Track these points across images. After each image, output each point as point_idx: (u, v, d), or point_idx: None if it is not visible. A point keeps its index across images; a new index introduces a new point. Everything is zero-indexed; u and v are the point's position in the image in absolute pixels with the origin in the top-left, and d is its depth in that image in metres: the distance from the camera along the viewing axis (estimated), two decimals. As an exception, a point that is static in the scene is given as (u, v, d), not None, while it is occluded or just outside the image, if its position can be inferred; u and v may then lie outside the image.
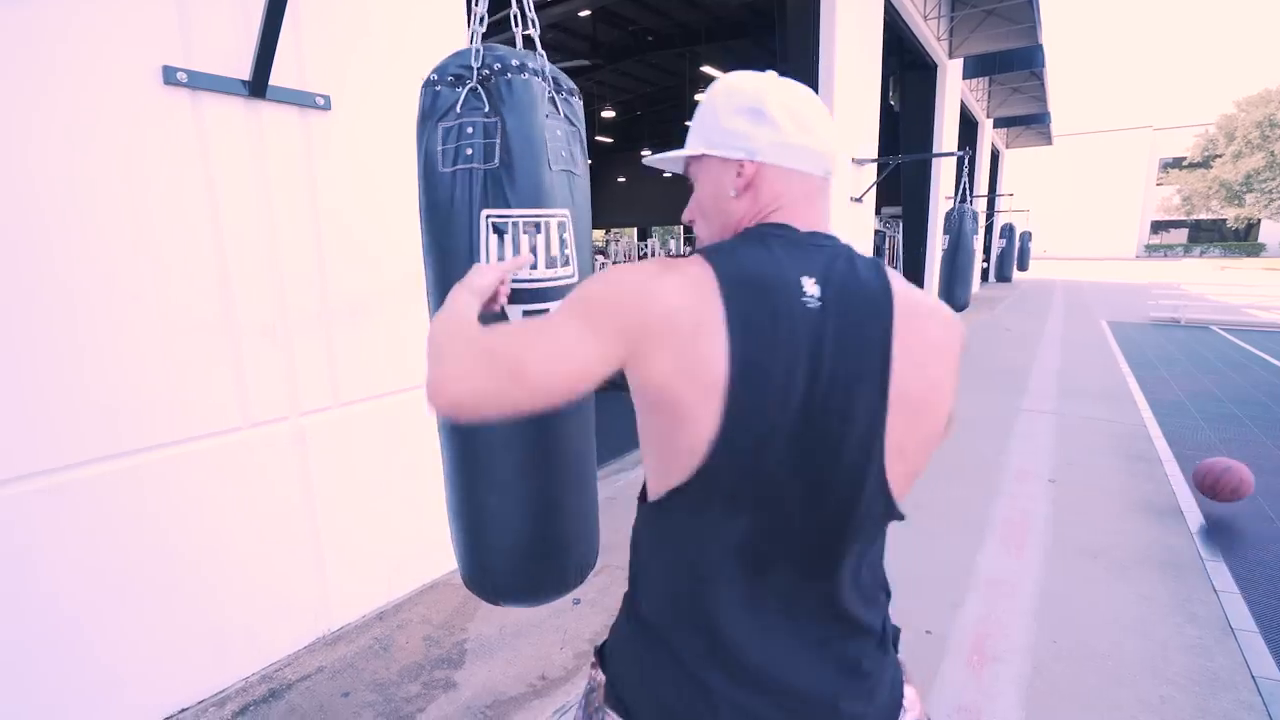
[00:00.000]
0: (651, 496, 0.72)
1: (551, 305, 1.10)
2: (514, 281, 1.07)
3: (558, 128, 1.13)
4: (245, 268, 1.88)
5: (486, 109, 1.06)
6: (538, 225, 1.08)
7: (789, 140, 0.73)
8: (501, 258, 1.08)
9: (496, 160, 1.06)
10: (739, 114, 0.74)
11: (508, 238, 1.07)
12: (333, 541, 2.21)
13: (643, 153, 26.75)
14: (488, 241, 1.07)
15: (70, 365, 1.57)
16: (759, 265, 0.68)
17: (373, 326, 2.26)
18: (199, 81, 1.72)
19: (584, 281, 0.72)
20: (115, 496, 1.67)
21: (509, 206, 1.07)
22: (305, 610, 2.18)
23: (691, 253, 0.73)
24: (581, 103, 1.21)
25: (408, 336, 2.33)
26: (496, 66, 1.07)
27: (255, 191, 1.90)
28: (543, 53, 1.14)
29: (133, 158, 1.64)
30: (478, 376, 0.67)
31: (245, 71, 1.82)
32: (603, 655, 0.81)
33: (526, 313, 1.09)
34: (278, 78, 1.87)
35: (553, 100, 1.13)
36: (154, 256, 1.69)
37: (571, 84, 1.19)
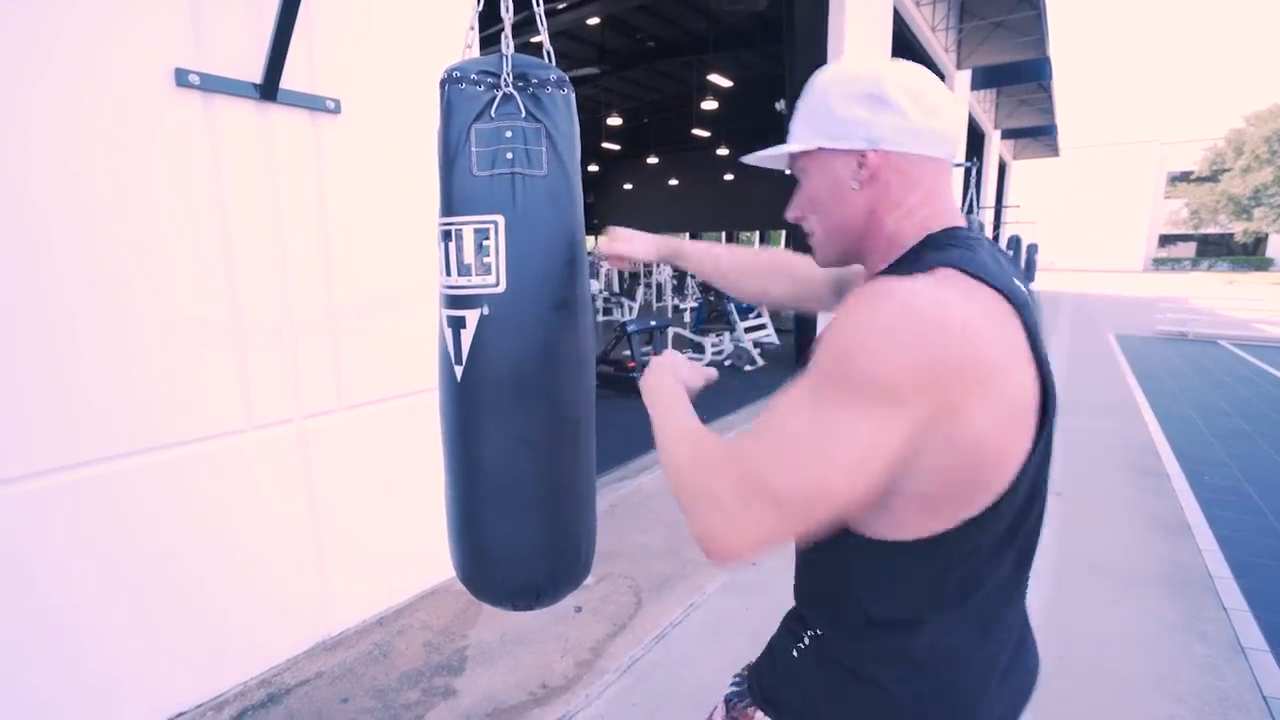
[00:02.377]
0: (916, 534, 0.63)
1: (466, 313, 1.08)
2: (442, 287, 1.11)
3: (507, 128, 1.07)
4: (252, 270, 1.89)
5: (439, 121, 1.10)
6: (448, 234, 1.08)
7: (915, 124, 0.67)
8: (445, 264, 1.09)
9: (439, 168, 1.10)
10: (856, 101, 0.69)
11: (449, 244, 1.09)
12: (334, 545, 2.21)
13: (649, 158, 26.84)
14: (440, 248, 1.10)
15: (74, 365, 1.57)
16: (1006, 276, 0.63)
17: (378, 330, 2.26)
18: (211, 84, 1.73)
19: (847, 337, 0.58)
20: (115, 497, 1.67)
21: (441, 215, 1.10)
22: (305, 614, 2.17)
23: (924, 268, 0.63)
24: (565, 94, 1.13)
25: (413, 340, 2.33)
26: (443, 77, 1.09)
27: (264, 194, 1.90)
28: (507, 52, 1.09)
29: (144, 159, 1.65)
30: (763, 521, 0.58)
31: (257, 74, 1.82)
32: (774, 703, 0.76)
33: (450, 319, 1.08)
34: (289, 81, 1.87)
35: (511, 99, 1.08)
36: (162, 258, 1.70)
37: (552, 74, 1.11)
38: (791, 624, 0.79)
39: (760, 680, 0.79)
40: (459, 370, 1.11)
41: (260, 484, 1.98)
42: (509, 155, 1.07)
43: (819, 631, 0.73)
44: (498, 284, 1.07)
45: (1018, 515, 0.64)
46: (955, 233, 0.69)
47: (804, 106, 0.75)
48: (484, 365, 1.10)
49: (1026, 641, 0.77)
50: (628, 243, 1.19)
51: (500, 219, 1.07)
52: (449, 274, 1.09)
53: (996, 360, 0.57)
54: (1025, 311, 0.60)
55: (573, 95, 1.14)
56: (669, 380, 0.81)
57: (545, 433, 1.13)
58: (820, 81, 0.73)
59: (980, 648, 0.69)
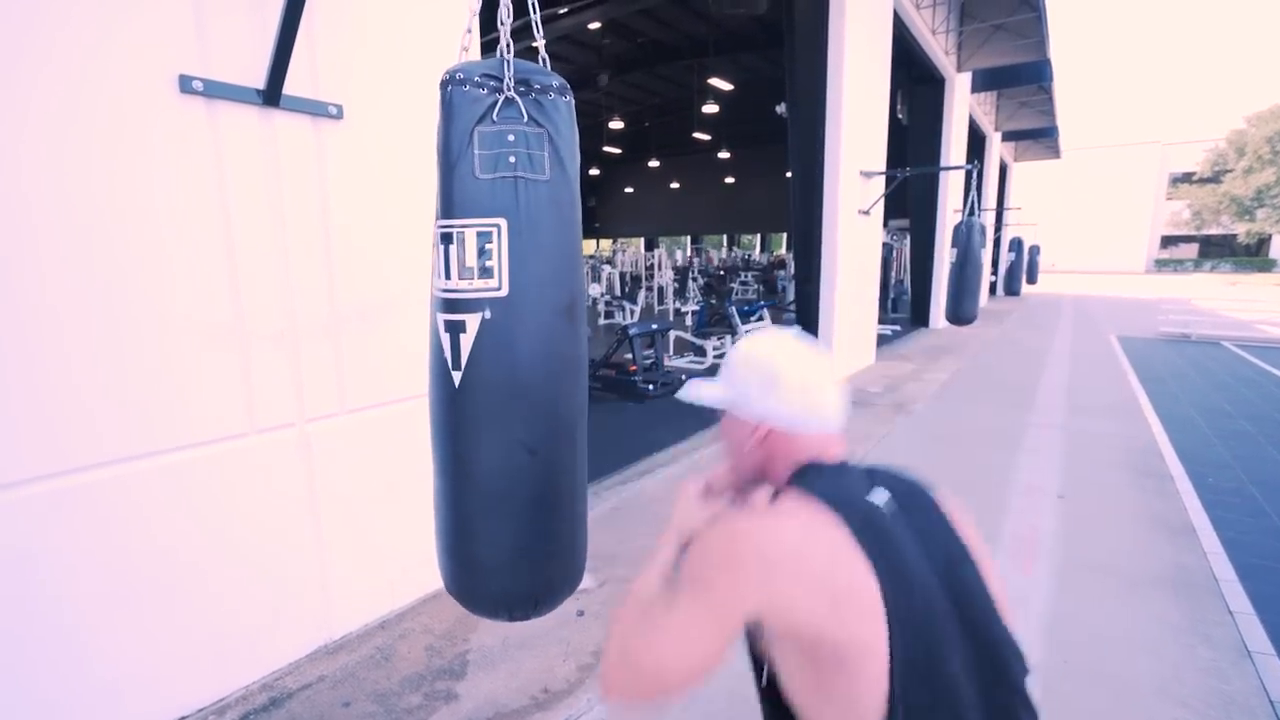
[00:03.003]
0: None
1: (466, 317, 1.08)
2: (439, 291, 1.11)
3: (509, 132, 1.07)
4: (256, 275, 1.89)
5: (439, 122, 1.10)
6: (448, 236, 1.08)
7: (794, 411, 0.83)
8: (444, 267, 1.09)
9: (439, 170, 1.10)
10: (759, 382, 0.85)
11: (450, 247, 1.08)
12: (336, 549, 2.21)
13: (650, 162, 26.88)
14: (437, 250, 1.11)
15: (77, 369, 1.57)
16: (839, 489, 0.77)
17: (380, 334, 2.26)
18: (215, 90, 1.74)
19: (695, 549, 0.76)
20: (117, 501, 1.67)
21: (441, 217, 1.10)
22: (307, 618, 2.17)
23: (773, 493, 0.82)
24: (567, 100, 1.13)
25: (415, 344, 2.33)
26: (445, 78, 1.09)
27: (267, 199, 1.91)
28: (508, 56, 1.09)
29: (148, 164, 1.65)
30: (625, 684, 0.71)
31: (260, 80, 1.83)
32: None
33: (448, 323, 1.09)
34: (291, 87, 1.88)
35: (512, 103, 1.08)
36: (166, 262, 1.70)
37: (552, 80, 1.12)
38: None
39: None
40: (457, 376, 1.09)
41: (262, 488, 1.98)
42: (512, 159, 1.07)
43: None
44: (500, 287, 1.07)
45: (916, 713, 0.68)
46: (807, 468, 0.82)
47: (727, 367, 0.91)
48: (485, 370, 1.09)
49: None
50: None
51: (503, 222, 1.06)
52: (447, 277, 1.08)
53: (814, 568, 0.69)
54: (851, 518, 0.72)
55: (573, 101, 1.14)
56: (670, 539, 0.93)
57: (546, 438, 1.13)
58: (740, 354, 0.89)
59: None
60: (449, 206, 1.08)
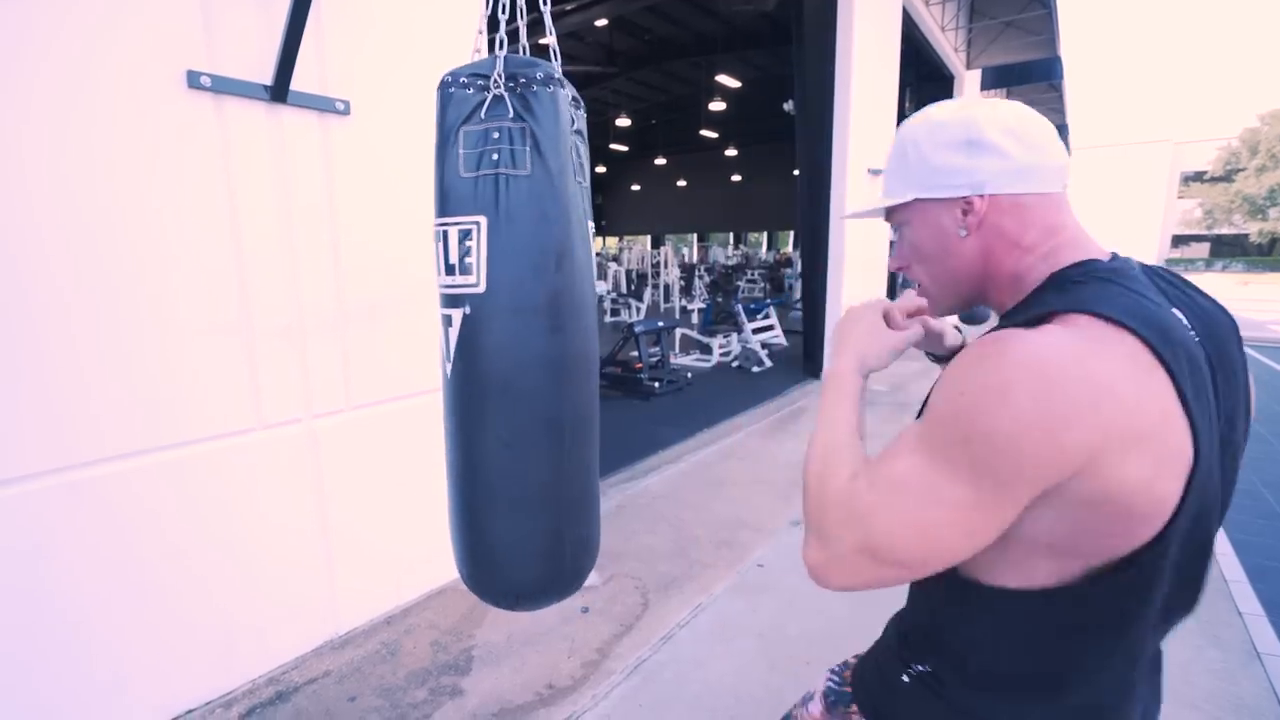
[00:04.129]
0: (1044, 582, 0.60)
1: (452, 312, 1.10)
2: (438, 287, 1.14)
3: (495, 129, 1.08)
4: (263, 270, 1.90)
5: (435, 122, 1.13)
6: (439, 234, 1.10)
7: (1019, 163, 0.65)
8: (437, 264, 1.11)
9: (434, 170, 1.13)
10: (951, 149, 0.67)
11: (440, 244, 1.11)
12: (342, 544, 2.22)
13: (657, 159, 26.84)
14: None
15: (83, 364, 1.58)
16: (1157, 315, 0.57)
17: (387, 330, 2.27)
18: (222, 86, 1.74)
19: (965, 397, 0.56)
20: (125, 495, 1.69)
21: (435, 215, 1.12)
22: (313, 613, 2.18)
23: (1050, 313, 0.59)
24: (551, 91, 1.10)
25: (422, 340, 2.34)
26: (440, 81, 1.11)
27: (274, 195, 1.91)
28: (500, 53, 1.09)
29: (156, 160, 1.66)
30: (861, 570, 0.60)
31: (268, 76, 1.84)
32: (882, 717, 0.77)
33: (443, 318, 1.13)
34: (298, 82, 1.89)
35: (501, 100, 1.08)
36: (174, 258, 1.71)
37: (536, 71, 1.09)
38: (901, 651, 0.76)
39: (867, 691, 0.80)
40: (448, 368, 1.14)
41: (269, 483, 1.99)
42: (495, 156, 1.08)
43: (929, 669, 0.71)
44: (478, 284, 1.08)
45: (1158, 576, 0.58)
46: (1089, 266, 0.63)
47: (894, 158, 0.74)
48: (467, 364, 1.12)
49: (1157, 702, 0.74)
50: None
51: (483, 220, 1.08)
52: (440, 273, 1.12)
53: (1130, 423, 0.52)
54: (1175, 356, 0.54)
55: (562, 91, 1.11)
56: (850, 349, 0.76)
57: (522, 434, 1.12)
58: (909, 131, 0.71)
59: (1113, 712, 0.66)
60: (439, 205, 1.11)
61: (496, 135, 1.08)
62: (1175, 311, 0.60)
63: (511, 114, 1.08)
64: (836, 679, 0.89)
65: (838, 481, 0.64)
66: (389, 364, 2.29)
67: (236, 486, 1.91)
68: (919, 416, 0.64)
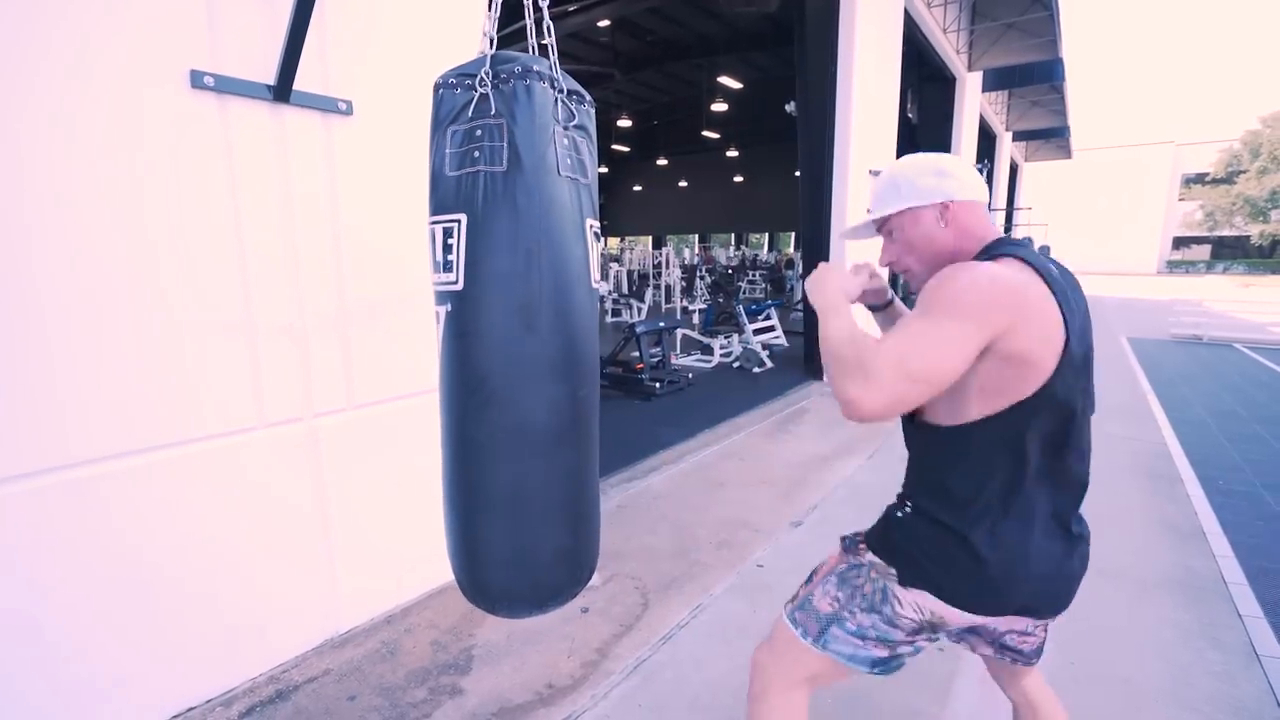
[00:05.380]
0: (978, 415, 1.00)
1: (440, 309, 1.15)
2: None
3: (479, 128, 1.07)
4: (265, 269, 1.90)
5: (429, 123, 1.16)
6: (430, 233, 1.13)
7: (965, 183, 1.11)
8: (435, 261, 1.14)
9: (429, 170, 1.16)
10: (929, 175, 1.11)
11: (430, 243, 1.15)
12: (343, 543, 2.22)
13: (659, 160, 26.84)
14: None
15: (88, 362, 1.59)
16: (1043, 262, 1.02)
17: (389, 329, 2.27)
18: (226, 86, 1.75)
19: (947, 287, 0.97)
20: (127, 493, 1.69)
21: (429, 214, 1.15)
22: (314, 612, 2.18)
23: (989, 256, 1.06)
24: (529, 83, 1.08)
25: (423, 340, 2.34)
26: (434, 83, 1.12)
27: (277, 194, 1.92)
28: (489, 51, 1.09)
29: (160, 160, 1.66)
30: (899, 387, 0.92)
31: (270, 76, 1.84)
32: (887, 549, 1.14)
33: (436, 314, 1.16)
34: (301, 82, 1.89)
35: (486, 99, 1.07)
36: (177, 257, 1.72)
37: (517, 65, 1.07)
38: (898, 500, 1.17)
39: (871, 533, 1.20)
40: (439, 364, 1.16)
41: (270, 481, 1.99)
42: (476, 154, 1.07)
43: (920, 503, 1.11)
44: (457, 282, 1.09)
45: (1051, 410, 0.99)
46: (1002, 240, 1.10)
47: (886, 189, 1.16)
48: (446, 362, 1.13)
49: (1080, 547, 1.10)
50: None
51: (463, 217, 1.08)
52: (431, 271, 1.15)
53: (1031, 305, 0.96)
54: (1051, 280, 0.99)
55: (539, 84, 1.09)
56: (832, 289, 1.11)
57: (495, 435, 1.10)
58: (896, 171, 1.15)
59: (1040, 537, 1.04)
60: (432, 204, 1.14)
61: (479, 133, 1.07)
62: (1051, 264, 1.05)
63: (494, 111, 1.08)
64: (849, 537, 1.26)
65: (869, 343, 0.97)
66: (390, 363, 2.29)
67: (238, 485, 1.91)
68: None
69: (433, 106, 1.13)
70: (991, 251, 1.06)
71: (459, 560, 1.20)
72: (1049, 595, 1.08)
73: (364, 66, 2.11)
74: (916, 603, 1.08)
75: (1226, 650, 2.24)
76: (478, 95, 1.08)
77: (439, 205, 1.12)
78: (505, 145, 1.07)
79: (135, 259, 1.64)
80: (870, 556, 1.16)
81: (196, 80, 1.70)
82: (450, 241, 1.08)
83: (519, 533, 1.15)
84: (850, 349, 0.97)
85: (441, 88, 1.12)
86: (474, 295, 1.08)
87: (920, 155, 1.14)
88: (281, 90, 1.85)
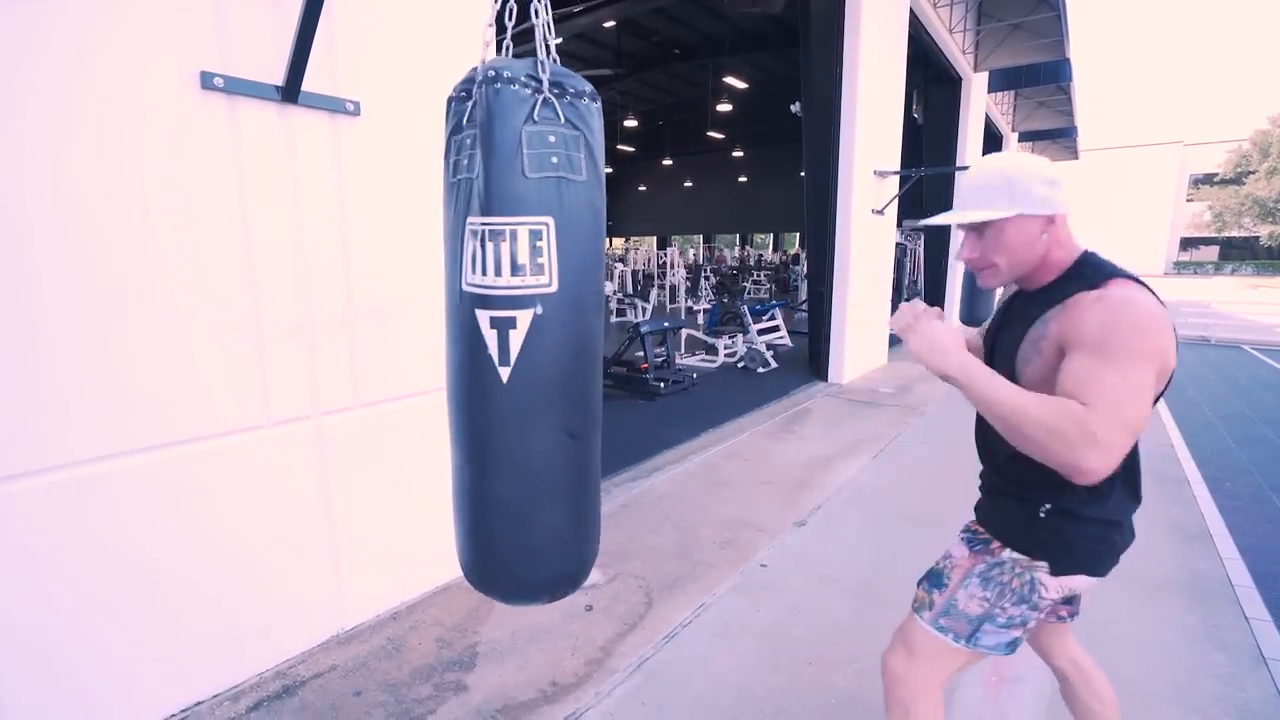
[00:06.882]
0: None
1: (518, 314, 1.09)
2: (483, 288, 1.10)
3: (550, 134, 1.11)
4: (273, 269, 1.92)
5: (473, 120, 1.12)
6: (504, 233, 1.09)
7: (1068, 196, 1.14)
8: (482, 263, 1.10)
9: (476, 170, 1.11)
10: (1043, 184, 1.11)
11: (487, 245, 1.10)
12: (349, 540, 2.23)
13: (664, 160, 26.84)
14: (469, 248, 1.12)
15: (98, 360, 1.61)
16: (1127, 272, 1.12)
17: (395, 329, 2.29)
18: (235, 86, 1.76)
19: (1123, 326, 1.01)
20: (135, 491, 1.71)
21: (485, 215, 1.10)
22: (320, 608, 2.20)
23: (1106, 279, 1.09)
24: (596, 105, 1.19)
25: (429, 339, 2.35)
26: (480, 78, 1.10)
27: (285, 195, 1.93)
28: (544, 59, 1.12)
29: (169, 159, 1.68)
30: (1126, 443, 0.97)
31: (279, 77, 1.86)
32: (1034, 545, 1.21)
33: (494, 320, 1.10)
34: (310, 83, 1.90)
35: (550, 104, 1.11)
36: (185, 256, 1.73)
37: (582, 86, 1.17)
38: (1028, 500, 1.22)
39: (1008, 531, 1.25)
40: (505, 372, 1.11)
41: (278, 478, 2.01)
42: (554, 159, 1.11)
43: (1061, 503, 1.18)
44: (550, 284, 1.11)
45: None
46: (1092, 255, 1.16)
47: (996, 187, 1.13)
48: (536, 365, 1.12)
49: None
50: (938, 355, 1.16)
51: (551, 220, 1.11)
52: (498, 274, 1.09)
53: (1173, 333, 1.04)
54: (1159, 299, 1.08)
55: (510, 89, 1.12)
56: (953, 347, 1.09)
57: (584, 428, 1.20)
58: (1011, 168, 1.13)
59: (1133, 502, 1.27)
60: (493, 204, 1.09)
61: (553, 140, 1.12)
62: None
63: (563, 120, 1.15)
64: (968, 534, 1.34)
65: (1062, 404, 0.99)
66: (396, 362, 2.31)
67: (245, 482, 1.93)
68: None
69: (489, 99, 1.11)
70: (1098, 269, 1.11)
71: (531, 559, 1.23)
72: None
73: (372, 67, 2.13)
74: (1062, 584, 1.20)
75: (1232, 653, 2.23)
76: (540, 99, 1.12)
77: (516, 206, 1.11)
78: (583, 158, 1.15)
79: (144, 259, 1.66)
80: (1009, 553, 1.23)
81: (206, 81, 1.71)
82: (539, 244, 1.11)
83: (595, 510, 1.28)
84: (1045, 412, 0.98)
85: (509, 82, 1.12)
86: (566, 295, 1.14)
87: (1029, 158, 1.14)
88: (290, 91, 1.87)
